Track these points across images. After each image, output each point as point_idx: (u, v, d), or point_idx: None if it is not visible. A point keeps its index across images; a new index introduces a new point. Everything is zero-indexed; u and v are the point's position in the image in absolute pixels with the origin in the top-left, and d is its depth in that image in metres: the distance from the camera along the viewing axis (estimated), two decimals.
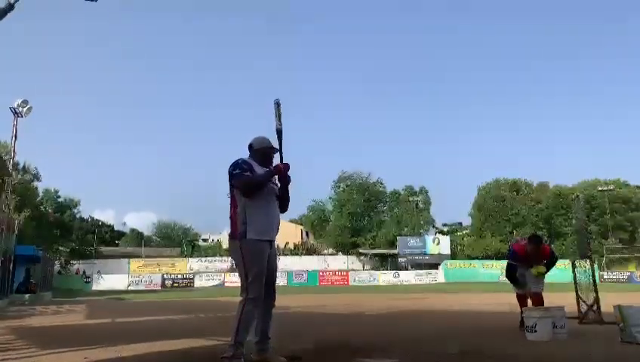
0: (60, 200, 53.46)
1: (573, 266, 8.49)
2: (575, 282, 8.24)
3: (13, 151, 24.17)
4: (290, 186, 4.04)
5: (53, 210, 50.98)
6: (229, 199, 3.98)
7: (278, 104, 3.98)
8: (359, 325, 8.63)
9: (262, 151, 4.02)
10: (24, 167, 42.22)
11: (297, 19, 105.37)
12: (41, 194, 48.86)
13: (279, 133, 3.98)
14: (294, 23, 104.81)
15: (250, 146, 4.08)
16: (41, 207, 47.88)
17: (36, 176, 44.97)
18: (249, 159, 3.98)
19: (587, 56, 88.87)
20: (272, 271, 3.97)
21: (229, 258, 43.40)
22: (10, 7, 5.41)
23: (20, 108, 23.58)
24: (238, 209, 3.85)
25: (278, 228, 4.02)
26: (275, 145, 4.03)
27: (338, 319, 10.04)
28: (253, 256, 3.76)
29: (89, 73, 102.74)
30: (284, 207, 4.11)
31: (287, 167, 3.93)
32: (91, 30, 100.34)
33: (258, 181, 3.84)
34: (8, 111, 23.43)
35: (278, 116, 3.97)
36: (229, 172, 3.88)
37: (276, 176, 4.04)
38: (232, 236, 3.89)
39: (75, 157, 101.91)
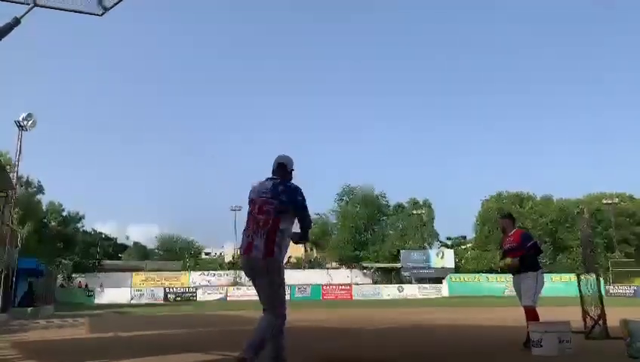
0: (64, 214, 53.50)
1: (579, 280, 8.41)
2: (580, 296, 8.15)
3: (18, 164, 24.29)
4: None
5: (58, 223, 51.00)
6: (270, 217, 3.87)
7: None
8: (362, 340, 8.56)
9: (292, 173, 4.13)
10: (27, 180, 42.37)
11: (301, 31, 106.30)
12: (45, 207, 48.93)
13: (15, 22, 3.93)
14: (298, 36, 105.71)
15: (284, 166, 4.07)
16: (45, 220, 47.93)
17: (39, 189, 45.11)
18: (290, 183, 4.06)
19: (590, 67, 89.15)
20: None
21: (233, 272, 43.29)
22: (17, 22, 5.45)
23: (25, 122, 23.75)
24: (279, 232, 3.85)
25: None
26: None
27: (341, 334, 9.96)
28: (284, 276, 3.96)
29: (91, 85, 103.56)
30: (305, 234, 4.17)
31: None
32: (93, 42, 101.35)
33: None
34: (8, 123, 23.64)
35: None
36: (296, 199, 3.92)
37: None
38: (270, 254, 3.81)
39: (75, 169, 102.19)
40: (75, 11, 5.56)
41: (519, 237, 6.42)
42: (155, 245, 70.57)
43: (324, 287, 41.58)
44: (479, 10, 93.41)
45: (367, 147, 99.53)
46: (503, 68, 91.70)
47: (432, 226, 53.65)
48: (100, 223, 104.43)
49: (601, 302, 7.58)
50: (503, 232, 6.73)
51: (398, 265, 46.64)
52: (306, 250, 57.60)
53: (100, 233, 63.03)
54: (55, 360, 5.65)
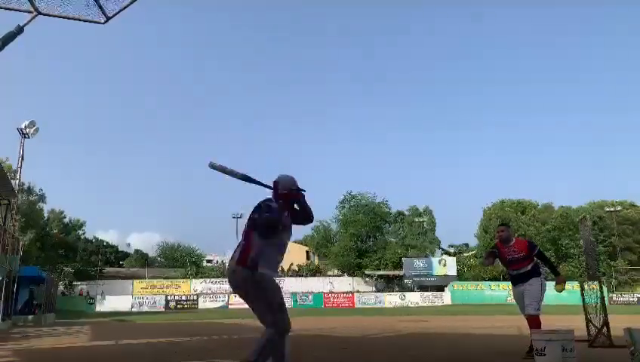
0: (65, 221, 53.56)
1: (582, 288, 8.36)
2: (584, 304, 8.10)
3: (20, 171, 24.30)
4: (305, 197, 3.88)
5: (59, 231, 51.03)
6: (245, 230, 3.80)
7: (213, 167, 3.85)
8: (362, 349, 8.50)
9: (285, 194, 3.82)
10: (29, 187, 42.42)
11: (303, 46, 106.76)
12: (46, 215, 48.99)
13: (247, 178, 3.82)
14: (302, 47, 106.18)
15: (275, 185, 3.86)
16: (46, 228, 47.96)
17: (41, 197, 45.18)
18: (270, 202, 3.79)
19: (592, 75, 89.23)
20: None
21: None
22: (20, 30, 5.47)
23: (27, 130, 23.80)
24: (252, 241, 3.67)
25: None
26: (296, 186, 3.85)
27: (341, 342, 9.89)
28: (273, 285, 3.66)
29: (92, 93, 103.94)
30: (308, 218, 4.00)
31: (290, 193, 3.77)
32: (95, 48, 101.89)
33: (274, 221, 3.63)
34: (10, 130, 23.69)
35: (228, 172, 3.84)
36: (251, 216, 3.71)
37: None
38: (241, 263, 3.64)
39: (77, 177, 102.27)
40: (78, 19, 5.58)
41: (526, 247, 6.31)
42: (157, 253, 70.42)
43: (326, 295, 41.44)
44: (476, 10, 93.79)
45: (369, 154, 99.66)
46: (504, 74, 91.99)
47: (434, 234, 53.52)
48: (101, 231, 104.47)
49: (605, 310, 7.53)
50: (504, 241, 6.47)
51: (401, 272, 46.48)
52: (308, 258, 57.44)
53: (102, 241, 63.11)
54: None
